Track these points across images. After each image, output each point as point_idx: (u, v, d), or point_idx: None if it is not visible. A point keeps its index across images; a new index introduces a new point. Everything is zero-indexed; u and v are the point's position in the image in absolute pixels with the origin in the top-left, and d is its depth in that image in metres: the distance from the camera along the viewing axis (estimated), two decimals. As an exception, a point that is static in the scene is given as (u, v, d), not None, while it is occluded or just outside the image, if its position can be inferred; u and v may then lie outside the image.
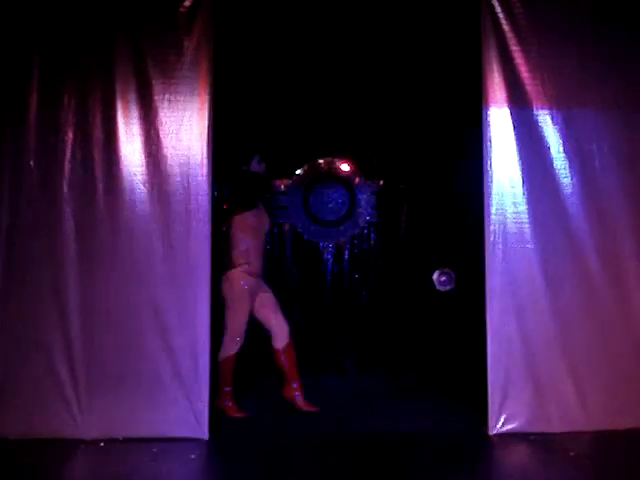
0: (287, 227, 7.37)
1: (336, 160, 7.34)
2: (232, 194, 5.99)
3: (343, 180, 7.37)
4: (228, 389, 5.68)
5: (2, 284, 4.91)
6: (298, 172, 7.39)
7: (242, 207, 5.75)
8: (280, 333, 5.78)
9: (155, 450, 4.69)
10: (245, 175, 5.83)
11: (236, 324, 5.70)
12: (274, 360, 5.82)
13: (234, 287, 5.67)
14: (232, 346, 5.70)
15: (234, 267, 5.69)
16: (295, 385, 5.75)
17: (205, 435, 4.88)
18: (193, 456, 4.63)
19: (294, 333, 7.10)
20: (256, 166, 5.90)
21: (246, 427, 5.31)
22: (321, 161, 7.37)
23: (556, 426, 5.00)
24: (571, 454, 4.60)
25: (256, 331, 6.96)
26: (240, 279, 5.67)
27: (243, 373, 7.00)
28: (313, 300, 7.22)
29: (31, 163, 4.94)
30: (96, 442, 4.81)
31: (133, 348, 4.89)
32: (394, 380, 6.80)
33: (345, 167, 7.33)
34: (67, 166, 4.93)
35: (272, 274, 7.19)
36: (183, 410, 4.88)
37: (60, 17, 5.00)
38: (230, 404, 5.66)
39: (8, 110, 4.96)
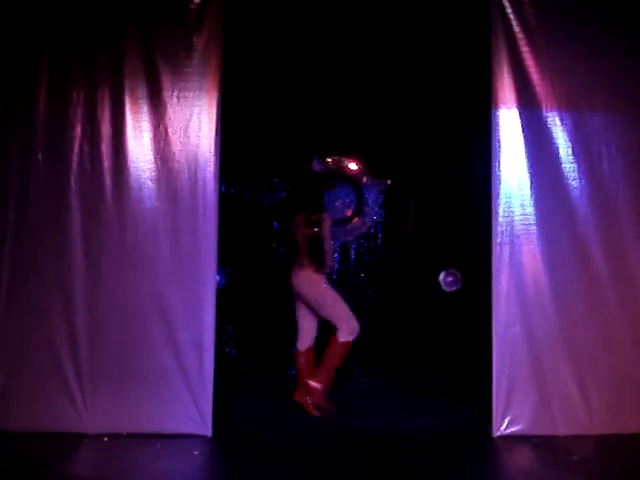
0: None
1: (344, 159, 7.32)
2: (299, 195, 5.94)
3: (351, 179, 7.35)
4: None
5: (9, 279, 4.91)
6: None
7: (320, 208, 5.81)
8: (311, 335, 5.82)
9: (158, 446, 4.71)
10: (313, 176, 5.84)
11: (344, 310, 5.71)
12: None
13: (321, 283, 5.75)
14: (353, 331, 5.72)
15: (320, 269, 5.75)
16: (310, 389, 5.68)
17: (209, 432, 4.89)
18: (196, 452, 4.66)
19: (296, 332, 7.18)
20: (317, 166, 5.92)
21: (251, 425, 5.30)
22: (329, 160, 7.35)
23: (560, 429, 4.99)
24: (575, 458, 4.59)
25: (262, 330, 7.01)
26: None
27: (251, 372, 7.07)
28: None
29: (39, 158, 4.95)
30: (100, 437, 4.83)
31: (138, 344, 4.90)
32: (399, 380, 6.79)
33: (353, 166, 7.31)
34: (75, 161, 4.94)
35: (278, 273, 7.21)
36: (187, 407, 4.89)
37: (69, 12, 5.00)
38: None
39: (17, 105, 4.96)
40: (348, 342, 5.67)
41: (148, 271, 4.91)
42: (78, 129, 4.95)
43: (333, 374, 5.69)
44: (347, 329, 5.65)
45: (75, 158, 4.94)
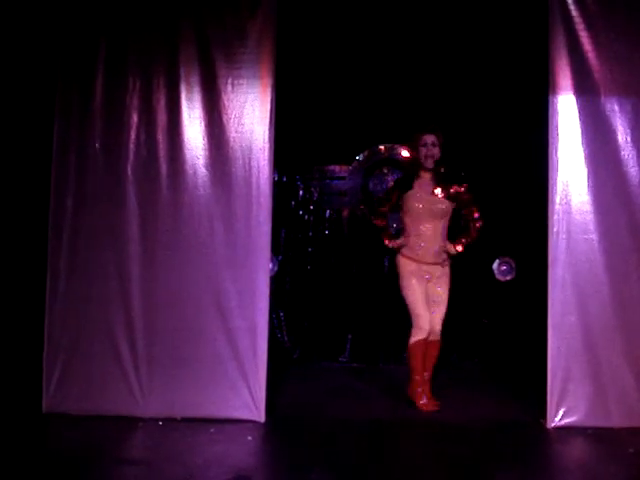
0: (346, 213, 7.35)
1: (397, 146, 7.28)
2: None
3: (403, 166, 7.31)
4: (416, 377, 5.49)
5: (67, 266, 5.01)
6: (358, 158, 7.35)
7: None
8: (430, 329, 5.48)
9: (212, 431, 4.75)
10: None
11: (412, 308, 5.48)
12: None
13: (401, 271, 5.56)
14: (416, 332, 5.44)
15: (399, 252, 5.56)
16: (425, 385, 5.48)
17: (262, 418, 4.93)
18: (249, 438, 4.69)
19: (348, 319, 7.17)
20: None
21: (303, 411, 5.33)
22: (381, 147, 7.32)
23: (616, 421, 4.92)
24: (630, 450, 4.51)
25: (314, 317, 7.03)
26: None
27: (302, 358, 7.10)
28: (372, 286, 7.19)
29: (97, 146, 5.02)
30: (155, 421, 4.90)
31: (193, 329, 4.95)
32: (454, 369, 6.75)
33: (405, 153, 7.26)
34: (131, 149, 5.01)
35: (331, 259, 7.22)
36: (241, 392, 4.93)
37: (125, 1, 5.05)
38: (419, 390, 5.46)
39: (74, 93, 5.04)
40: (409, 344, 5.45)
41: (203, 257, 4.95)
42: (134, 117, 5.01)
43: (411, 375, 5.48)
44: (412, 329, 5.46)
45: (131, 146, 5.01)
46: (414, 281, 5.44)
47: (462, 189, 5.54)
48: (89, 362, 4.99)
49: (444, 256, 5.50)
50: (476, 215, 5.59)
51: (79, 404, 4.97)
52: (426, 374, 5.48)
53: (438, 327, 5.50)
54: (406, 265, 5.48)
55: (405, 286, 5.48)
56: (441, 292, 5.50)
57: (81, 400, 4.98)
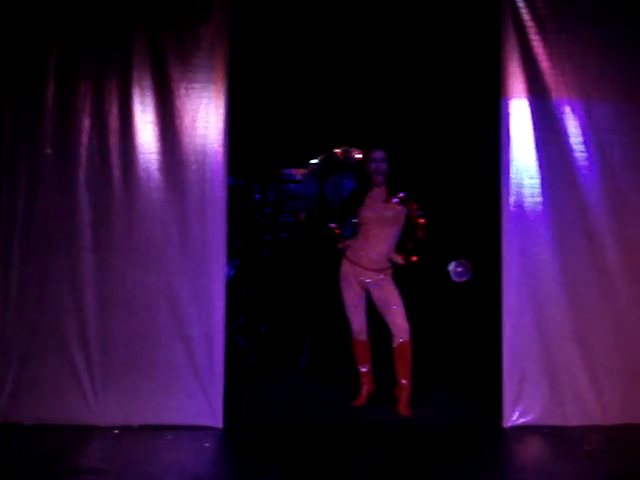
0: (303, 216, 7.34)
1: (352, 149, 7.28)
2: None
3: (358, 169, 7.33)
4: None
5: (18, 272, 4.92)
6: (314, 161, 7.35)
7: None
8: (393, 332, 5.51)
9: (169, 438, 4.72)
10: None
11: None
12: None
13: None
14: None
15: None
16: (398, 385, 5.49)
17: (220, 424, 4.90)
18: (207, 444, 4.66)
19: (307, 323, 7.16)
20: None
21: (261, 416, 5.30)
22: (337, 150, 7.33)
23: (571, 420, 4.98)
24: (586, 448, 4.58)
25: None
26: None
27: (261, 363, 7.07)
28: (330, 289, 7.19)
29: (48, 151, 4.95)
30: (111, 429, 4.84)
31: (148, 336, 4.90)
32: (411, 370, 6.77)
33: (361, 156, 7.28)
34: (84, 154, 4.94)
35: (288, 263, 7.22)
36: (198, 399, 4.89)
37: (78, 5, 5.00)
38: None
39: (25, 98, 4.97)
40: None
41: (157, 263, 4.91)
42: (86, 122, 4.95)
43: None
44: None
45: (83, 151, 4.95)
46: (347, 285, 5.59)
47: (402, 195, 5.56)
48: (43, 371, 4.91)
49: (385, 265, 5.52)
50: (417, 212, 5.60)
51: (33, 414, 4.88)
52: (404, 381, 5.46)
53: (404, 326, 5.45)
54: (344, 266, 5.62)
55: (341, 289, 5.65)
56: (388, 293, 5.50)
57: (35, 410, 4.89)
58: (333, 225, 5.73)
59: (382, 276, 5.51)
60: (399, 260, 5.52)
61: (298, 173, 7.40)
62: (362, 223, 5.56)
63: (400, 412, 5.35)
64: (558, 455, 4.57)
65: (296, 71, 6.91)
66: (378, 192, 5.58)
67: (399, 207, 5.53)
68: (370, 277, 5.51)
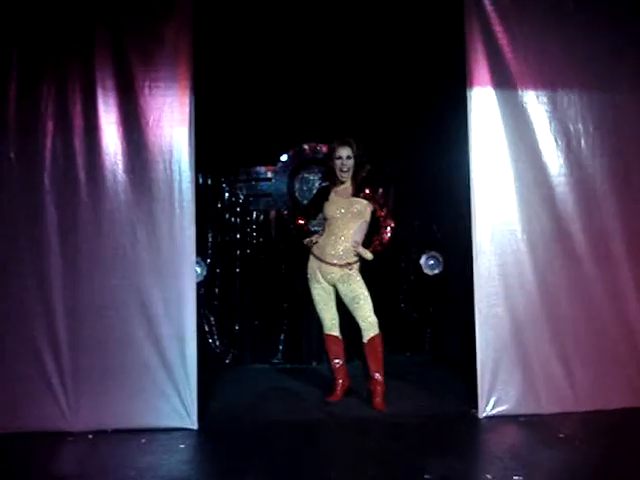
0: (273, 214, 7.32)
1: (320, 145, 7.27)
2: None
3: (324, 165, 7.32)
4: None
5: (-15, 277, 4.85)
6: (283, 158, 7.33)
7: None
8: (362, 327, 5.49)
9: (144, 441, 4.67)
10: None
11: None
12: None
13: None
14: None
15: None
16: (372, 380, 5.47)
17: (194, 425, 4.87)
18: (182, 446, 4.62)
19: (280, 321, 7.14)
20: None
21: (237, 415, 5.28)
22: (306, 147, 7.31)
23: (546, 407, 5.03)
24: (561, 435, 4.62)
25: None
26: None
27: (235, 363, 7.04)
28: (302, 286, 7.19)
29: (11, 155, 4.87)
30: (85, 434, 4.79)
31: (119, 339, 4.85)
32: (385, 364, 6.77)
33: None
34: (48, 157, 4.87)
35: (259, 261, 7.18)
36: (171, 400, 4.86)
37: (38, 5, 4.92)
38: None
39: (-14, 102, 4.89)
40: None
41: (126, 264, 4.86)
42: (49, 124, 4.88)
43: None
44: None
45: (48, 154, 4.88)
46: (315, 281, 5.59)
47: (367, 190, 5.54)
48: (13, 378, 4.83)
49: (351, 259, 5.49)
50: (384, 218, 5.59)
51: (4, 421, 4.80)
52: (377, 376, 5.44)
53: (372, 320, 5.42)
54: (310, 262, 5.61)
55: (310, 286, 5.65)
56: (355, 287, 5.46)
57: (6, 417, 4.81)
58: (302, 221, 5.71)
59: (348, 271, 5.48)
60: (367, 255, 5.50)
61: (267, 170, 7.35)
62: (327, 219, 5.56)
63: (375, 407, 5.33)
64: (534, 443, 4.60)
65: (263, 67, 6.88)
66: (343, 188, 5.58)
67: (364, 202, 5.52)
68: (336, 272, 5.49)
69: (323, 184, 5.93)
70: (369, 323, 5.43)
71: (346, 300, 5.50)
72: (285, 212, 7.22)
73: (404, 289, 7.38)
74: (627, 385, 5.12)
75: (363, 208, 5.52)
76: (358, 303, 5.44)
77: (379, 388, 5.41)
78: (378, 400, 5.37)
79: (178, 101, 4.87)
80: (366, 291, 5.46)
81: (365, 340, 5.45)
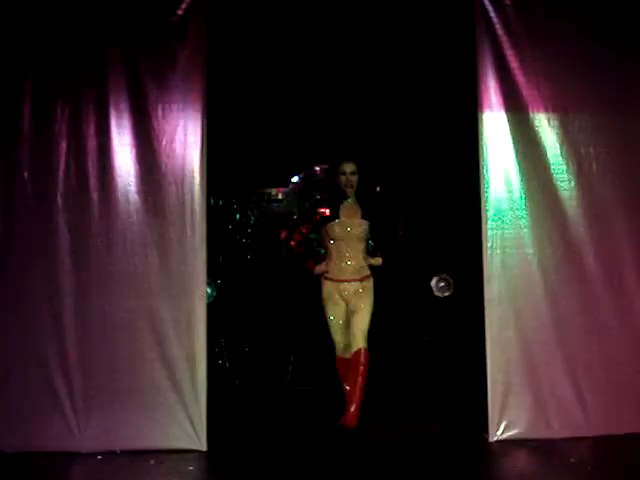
0: (284, 236, 7.32)
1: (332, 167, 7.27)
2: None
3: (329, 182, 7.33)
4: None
5: (-4, 297, 4.87)
6: (294, 180, 7.35)
7: None
8: (353, 336, 5.53)
9: (153, 462, 4.65)
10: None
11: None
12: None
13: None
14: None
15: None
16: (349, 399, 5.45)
17: (203, 447, 4.85)
18: (191, 468, 4.60)
19: (290, 342, 7.13)
20: None
21: (245, 438, 5.26)
22: (317, 168, 7.34)
23: (557, 432, 4.98)
24: (572, 460, 4.57)
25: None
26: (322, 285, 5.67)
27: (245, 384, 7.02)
28: (312, 308, 7.18)
29: (25, 175, 4.91)
30: (94, 455, 4.77)
31: (130, 360, 4.85)
32: (393, 386, 6.76)
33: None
34: (61, 177, 4.91)
35: (270, 283, 7.18)
36: (181, 422, 4.84)
37: (53, 28, 4.98)
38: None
39: (1, 122, 4.92)
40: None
41: (138, 285, 4.87)
42: (63, 145, 4.92)
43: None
44: None
45: (61, 174, 4.91)
46: (332, 304, 5.60)
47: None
48: (23, 397, 4.83)
49: (365, 273, 5.58)
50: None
51: (13, 441, 4.80)
52: (349, 388, 5.47)
53: (363, 329, 5.47)
54: (325, 286, 5.63)
55: (326, 310, 5.65)
56: (361, 304, 5.52)
57: (15, 437, 4.81)
58: (299, 250, 5.80)
59: (366, 284, 5.56)
60: (378, 262, 5.62)
61: (278, 192, 7.38)
62: (335, 239, 5.60)
63: (345, 422, 5.32)
64: (544, 468, 4.58)
65: (274, 90, 6.91)
66: (349, 206, 5.63)
67: (365, 222, 5.61)
68: (354, 287, 5.54)
69: (324, 196, 5.95)
70: (361, 332, 5.46)
71: (351, 309, 5.55)
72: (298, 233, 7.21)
73: (415, 311, 7.36)
74: (638, 410, 5.07)
75: (367, 228, 5.62)
76: (360, 312, 5.49)
77: (354, 403, 5.36)
78: (349, 415, 5.33)
79: (191, 123, 4.91)
80: (371, 307, 5.53)
81: (350, 354, 5.48)
